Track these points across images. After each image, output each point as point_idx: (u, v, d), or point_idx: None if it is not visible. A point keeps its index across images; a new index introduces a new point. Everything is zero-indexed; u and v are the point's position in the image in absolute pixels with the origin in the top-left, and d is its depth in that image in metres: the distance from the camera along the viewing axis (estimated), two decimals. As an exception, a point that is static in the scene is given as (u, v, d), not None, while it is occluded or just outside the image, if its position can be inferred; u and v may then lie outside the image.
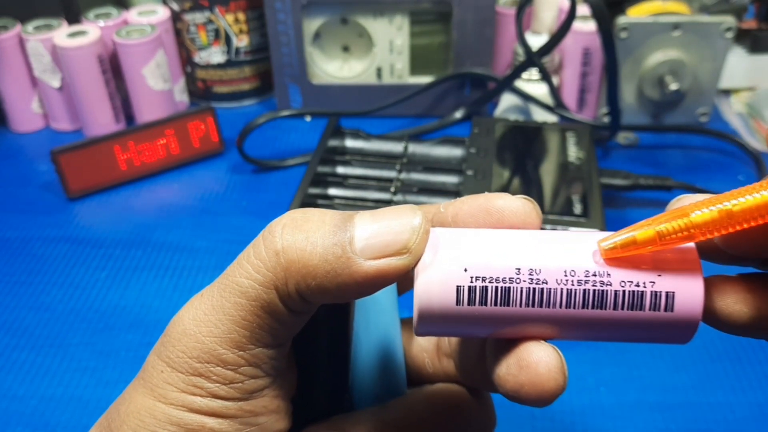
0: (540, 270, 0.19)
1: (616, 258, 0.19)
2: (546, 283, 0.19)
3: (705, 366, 0.44)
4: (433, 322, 0.20)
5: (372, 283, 0.20)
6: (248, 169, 0.63)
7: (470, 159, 0.54)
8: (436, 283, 0.19)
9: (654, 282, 0.19)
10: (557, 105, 0.63)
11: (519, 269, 0.19)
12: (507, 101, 0.65)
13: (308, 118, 0.70)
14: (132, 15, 0.68)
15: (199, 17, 0.68)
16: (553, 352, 0.20)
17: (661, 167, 0.62)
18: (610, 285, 0.19)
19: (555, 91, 0.62)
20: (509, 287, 0.19)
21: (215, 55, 0.70)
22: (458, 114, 0.68)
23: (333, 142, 0.58)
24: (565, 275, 0.19)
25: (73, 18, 0.68)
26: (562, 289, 0.19)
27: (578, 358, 0.45)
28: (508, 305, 0.19)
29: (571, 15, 0.55)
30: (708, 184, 0.57)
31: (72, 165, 0.58)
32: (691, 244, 0.20)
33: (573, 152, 0.55)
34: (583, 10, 0.62)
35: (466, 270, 0.19)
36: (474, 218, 0.21)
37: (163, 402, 0.21)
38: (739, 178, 0.60)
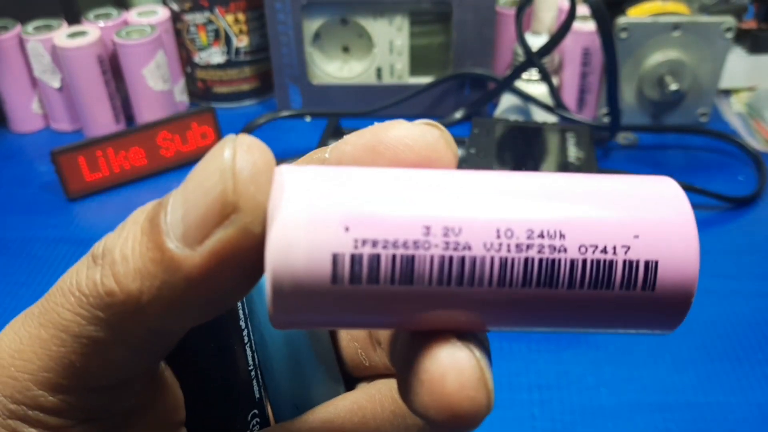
0: (460, 228, 0.13)
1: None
2: (469, 248, 0.13)
3: (705, 366, 0.44)
4: (296, 310, 0.13)
5: (219, 278, 0.14)
6: (248, 169, 0.63)
7: (470, 159, 0.54)
8: (300, 250, 0.13)
9: (629, 246, 0.13)
10: (557, 105, 0.63)
11: (428, 227, 0.13)
12: (507, 101, 0.65)
13: (308, 119, 0.70)
14: (132, 15, 0.68)
15: (199, 18, 0.68)
16: (466, 357, 0.14)
17: (661, 167, 0.62)
18: (565, 251, 0.13)
19: (555, 92, 0.62)
20: (413, 256, 0.13)
21: (215, 55, 0.70)
22: (458, 114, 0.68)
23: (333, 143, 0.58)
24: (498, 236, 0.13)
25: (73, 18, 0.68)
26: (493, 257, 0.13)
27: (578, 358, 0.45)
28: (412, 284, 0.13)
29: (571, 15, 0.55)
30: (708, 185, 0.56)
31: (72, 165, 0.58)
32: (676, 185, 0.15)
33: (573, 152, 0.55)
34: (583, 10, 0.62)
35: (347, 229, 0.13)
36: (360, 163, 0.16)
37: None
38: (739, 178, 0.60)
